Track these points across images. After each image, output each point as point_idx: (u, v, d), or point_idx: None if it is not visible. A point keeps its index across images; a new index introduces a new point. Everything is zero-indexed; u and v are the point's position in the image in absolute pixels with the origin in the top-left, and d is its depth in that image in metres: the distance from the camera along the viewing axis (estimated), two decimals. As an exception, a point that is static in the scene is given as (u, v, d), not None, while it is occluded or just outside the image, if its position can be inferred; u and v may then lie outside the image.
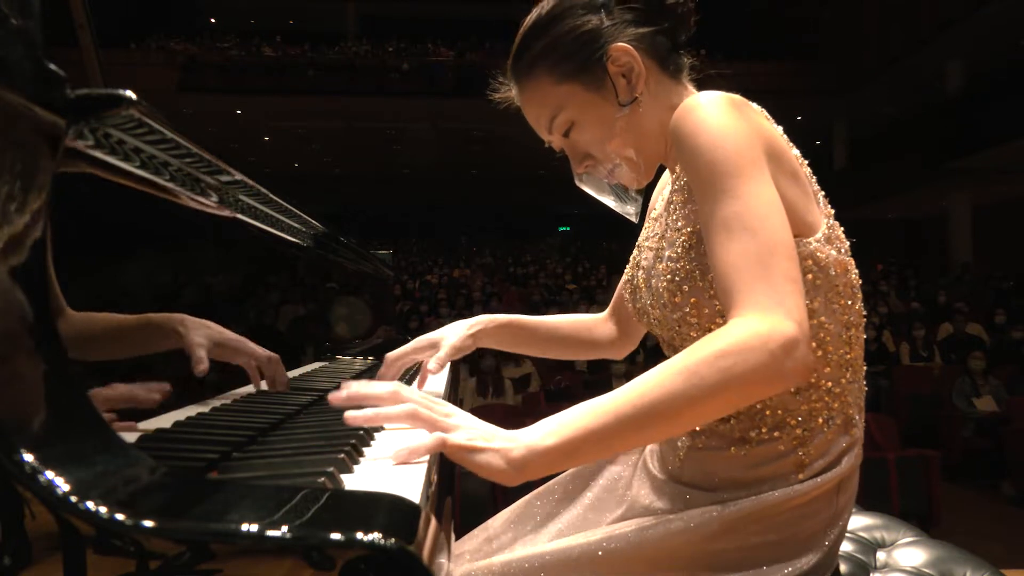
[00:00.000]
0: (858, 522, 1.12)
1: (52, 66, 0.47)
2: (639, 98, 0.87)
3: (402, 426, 0.73)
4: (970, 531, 4.01)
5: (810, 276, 0.77)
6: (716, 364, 0.64)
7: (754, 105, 0.82)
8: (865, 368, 0.87)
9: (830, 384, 0.79)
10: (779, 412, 0.79)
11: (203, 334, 0.80)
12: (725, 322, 0.69)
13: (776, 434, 0.79)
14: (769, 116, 0.84)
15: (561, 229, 21.78)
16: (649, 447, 0.97)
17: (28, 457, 0.40)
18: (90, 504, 0.39)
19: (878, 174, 13.98)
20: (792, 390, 0.78)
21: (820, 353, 0.79)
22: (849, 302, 0.81)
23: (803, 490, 0.77)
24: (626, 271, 1.03)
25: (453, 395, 1.25)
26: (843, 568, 0.96)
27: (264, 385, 0.97)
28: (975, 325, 7.76)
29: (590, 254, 17.12)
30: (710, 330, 0.76)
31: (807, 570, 0.77)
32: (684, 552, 0.76)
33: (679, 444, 0.87)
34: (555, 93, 0.88)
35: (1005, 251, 13.89)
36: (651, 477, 0.93)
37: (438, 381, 1.31)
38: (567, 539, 0.83)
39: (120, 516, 0.39)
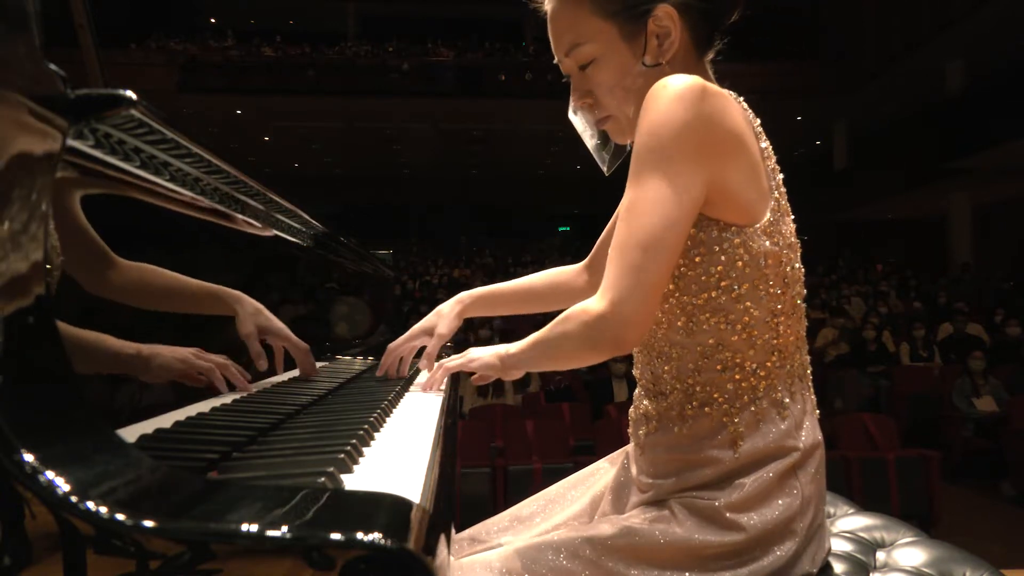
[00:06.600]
0: (858, 522, 1.12)
1: (52, 66, 0.47)
2: (662, 65, 0.87)
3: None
4: (970, 531, 4.02)
5: (740, 263, 0.81)
6: (559, 326, 0.84)
7: (730, 94, 0.84)
8: (808, 361, 0.90)
9: (754, 365, 0.83)
10: (707, 388, 0.84)
11: (254, 322, 0.94)
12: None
13: (706, 409, 0.84)
14: (747, 107, 0.86)
15: (561, 229, 21.75)
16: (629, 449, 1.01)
17: (28, 457, 0.40)
18: (90, 504, 0.39)
19: (878, 174, 13.95)
20: (719, 368, 0.83)
21: (745, 335, 0.82)
22: (779, 291, 0.83)
23: (752, 485, 0.80)
24: (611, 222, 1.11)
25: (454, 394, 1.26)
26: (843, 568, 0.96)
27: (267, 381, 0.97)
28: (975, 325, 7.75)
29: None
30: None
31: (788, 557, 0.80)
32: (663, 552, 0.80)
33: (640, 433, 0.93)
34: (590, 24, 0.87)
35: (1005, 251, 13.88)
36: (634, 480, 0.96)
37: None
38: (555, 532, 0.88)
39: (120, 516, 0.39)
